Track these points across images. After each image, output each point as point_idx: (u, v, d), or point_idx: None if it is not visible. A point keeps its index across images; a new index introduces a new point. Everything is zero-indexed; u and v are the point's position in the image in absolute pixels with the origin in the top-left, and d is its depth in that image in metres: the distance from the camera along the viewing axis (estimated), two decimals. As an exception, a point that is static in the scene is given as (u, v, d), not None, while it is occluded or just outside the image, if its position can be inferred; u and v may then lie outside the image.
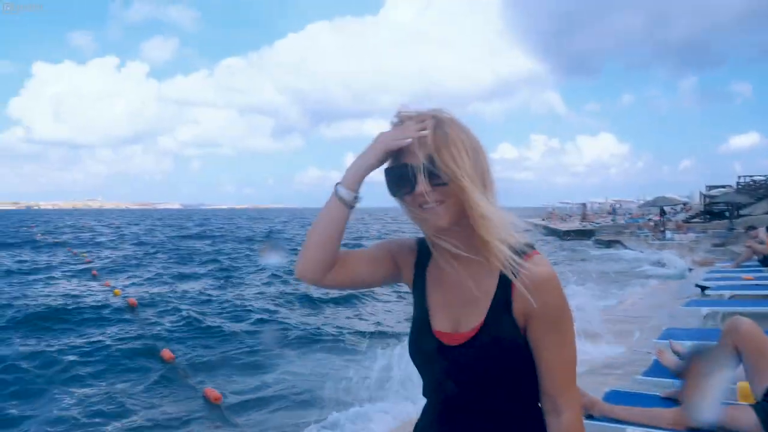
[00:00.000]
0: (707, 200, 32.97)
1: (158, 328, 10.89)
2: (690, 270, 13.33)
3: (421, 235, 1.30)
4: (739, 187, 36.00)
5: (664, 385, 3.54)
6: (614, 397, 3.34)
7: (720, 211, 30.11)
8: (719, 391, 2.30)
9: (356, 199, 1.21)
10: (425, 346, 1.21)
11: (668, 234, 24.81)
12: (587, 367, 5.26)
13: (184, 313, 12.15)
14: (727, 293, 7.15)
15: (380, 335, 10.11)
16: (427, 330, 1.22)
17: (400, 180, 1.15)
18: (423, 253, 1.30)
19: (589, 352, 5.96)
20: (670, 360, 3.67)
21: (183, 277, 18.80)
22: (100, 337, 10.27)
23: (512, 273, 1.11)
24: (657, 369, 3.80)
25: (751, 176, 37.32)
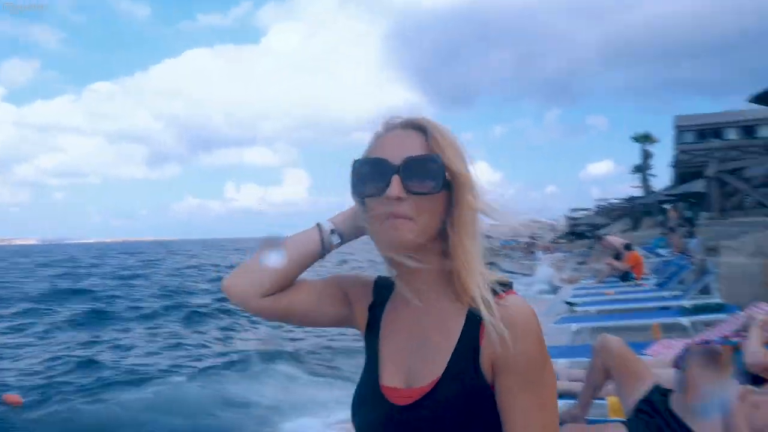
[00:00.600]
0: (571, 222, 35.68)
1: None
2: (558, 288, 14.15)
3: (382, 274, 1.12)
4: (598, 209, 39.46)
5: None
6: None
7: (582, 232, 32.68)
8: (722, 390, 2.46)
9: (336, 245, 1.08)
10: (368, 407, 1.02)
11: (538, 254, 26.44)
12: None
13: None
14: (594, 309, 7.58)
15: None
16: (374, 385, 1.02)
17: (370, 175, 0.95)
18: (381, 292, 1.11)
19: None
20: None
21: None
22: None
23: (485, 312, 0.92)
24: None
25: (606, 199, 41.03)
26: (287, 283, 1.06)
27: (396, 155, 0.93)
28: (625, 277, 9.95)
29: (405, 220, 0.92)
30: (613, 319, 6.80)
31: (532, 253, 27.30)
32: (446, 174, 0.93)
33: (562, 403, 3.36)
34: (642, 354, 4.54)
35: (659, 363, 3.72)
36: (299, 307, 1.09)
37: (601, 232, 31.30)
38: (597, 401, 3.20)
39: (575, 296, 9.16)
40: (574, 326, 6.22)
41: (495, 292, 0.94)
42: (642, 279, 10.08)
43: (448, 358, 0.94)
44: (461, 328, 0.95)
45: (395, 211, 0.92)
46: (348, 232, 1.08)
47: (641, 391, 2.78)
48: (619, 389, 2.90)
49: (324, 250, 1.06)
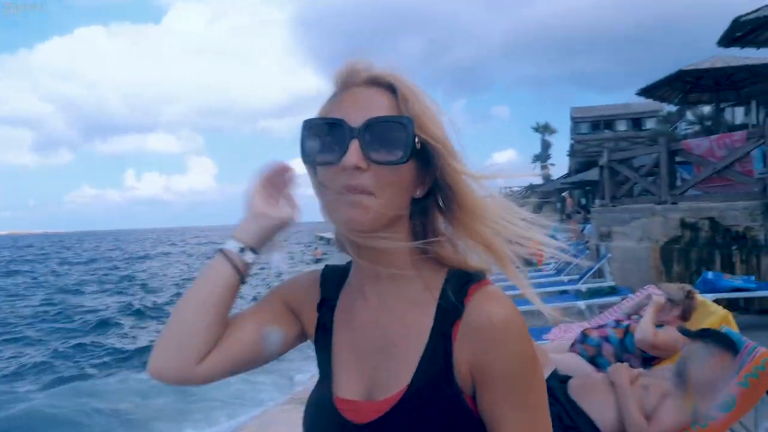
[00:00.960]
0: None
1: None
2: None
3: (329, 263, 0.96)
4: (501, 197, 40.99)
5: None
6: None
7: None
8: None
9: (254, 261, 0.87)
10: (320, 425, 0.85)
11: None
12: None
13: None
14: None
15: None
16: (326, 399, 0.85)
17: (324, 140, 0.78)
18: (329, 286, 0.93)
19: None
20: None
21: None
22: None
23: (454, 309, 0.77)
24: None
25: (509, 187, 42.59)
26: (219, 333, 0.86)
27: (356, 116, 0.77)
28: (526, 262, 10.32)
29: (364, 195, 0.76)
30: (522, 304, 6.97)
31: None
32: (416, 141, 0.77)
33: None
34: (542, 339, 4.67)
35: (558, 348, 3.82)
36: (247, 350, 0.89)
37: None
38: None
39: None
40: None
41: (469, 281, 0.79)
42: (543, 264, 10.50)
43: (416, 364, 0.78)
44: (431, 326, 0.79)
45: (352, 183, 0.76)
46: (260, 240, 0.88)
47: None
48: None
49: (242, 276, 0.87)
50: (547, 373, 2.84)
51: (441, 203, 0.85)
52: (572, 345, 3.69)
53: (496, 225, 0.82)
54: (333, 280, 0.94)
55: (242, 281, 0.87)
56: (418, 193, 0.83)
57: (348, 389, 0.84)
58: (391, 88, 0.80)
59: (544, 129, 47.12)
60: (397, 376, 0.79)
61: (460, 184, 0.81)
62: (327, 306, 0.92)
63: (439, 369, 0.77)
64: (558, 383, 2.80)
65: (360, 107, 0.78)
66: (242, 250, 0.86)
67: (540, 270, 10.16)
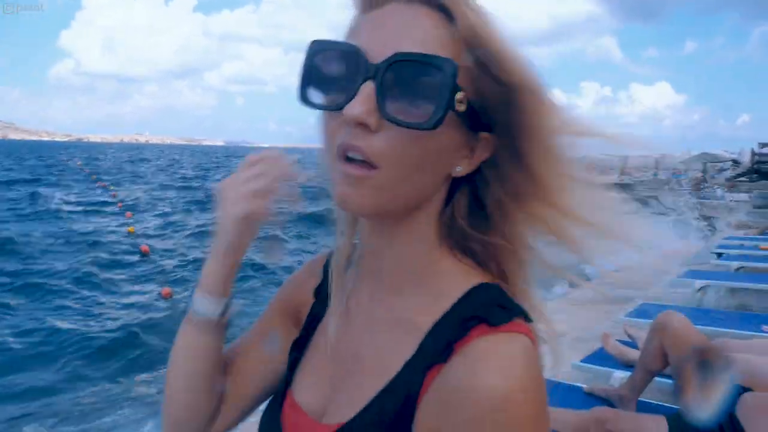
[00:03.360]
0: (756, 158, 31.10)
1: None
2: (717, 232, 12.53)
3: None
4: (795, 145, 33.87)
5: (599, 376, 3.14)
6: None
7: (768, 171, 28.41)
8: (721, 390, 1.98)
9: (227, 309, 0.73)
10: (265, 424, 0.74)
11: (716, 191, 23.57)
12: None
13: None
14: (735, 264, 6.53)
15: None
16: (276, 403, 0.73)
17: (333, 74, 0.59)
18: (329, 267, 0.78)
19: (563, 321, 5.56)
20: (615, 347, 3.25)
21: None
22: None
23: (441, 349, 0.56)
24: (600, 355, 3.38)
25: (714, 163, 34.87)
26: (219, 389, 0.76)
27: (381, 47, 0.55)
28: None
29: (362, 167, 0.55)
30: (753, 280, 5.80)
31: (701, 189, 24.36)
32: (463, 97, 0.55)
33: (623, 375, 2.93)
34: (761, 330, 3.80)
35: (763, 347, 3.06)
36: (259, 384, 0.78)
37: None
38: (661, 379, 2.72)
39: (722, 246, 8.00)
40: (698, 283, 5.36)
41: (473, 317, 0.56)
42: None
43: (369, 399, 0.60)
44: (406, 359, 0.59)
45: (350, 143, 0.55)
46: (234, 273, 0.73)
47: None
48: (676, 376, 2.41)
49: (214, 327, 0.72)
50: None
51: (500, 186, 0.61)
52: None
53: (590, 225, 0.60)
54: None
55: (227, 328, 0.75)
56: (459, 170, 0.60)
57: (305, 396, 0.70)
58: (446, 12, 0.57)
59: None
60: (349, 404, 0.63)
61: (550, 163, 0.58)
62: (324, 292, 0.75)
63: (391, 418, 0.57)
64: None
65: (389, 32, 0.56)
66: (216, 308, 0.72)
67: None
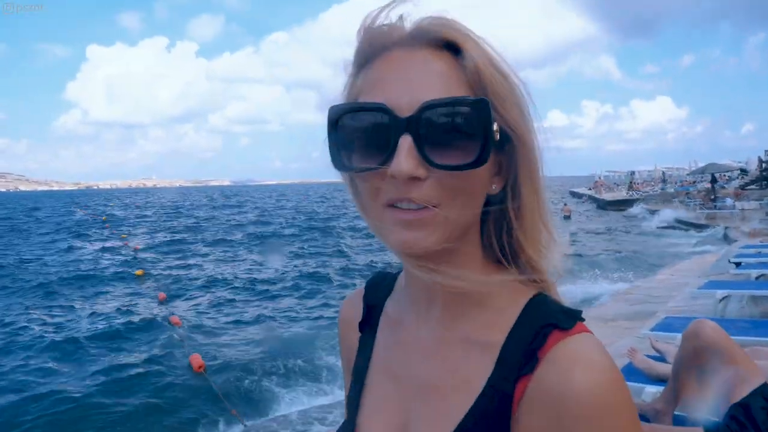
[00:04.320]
0: (764, 165, 30.95)
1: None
2: (732, 242, 12.41)
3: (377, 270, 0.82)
4: (802, 151, 33.73)
5: (631, 392, 3.07)
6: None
7: (777, 177, 28.23)
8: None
9: None
10: None
11: (725, 201, 23.40)
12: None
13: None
14: (755, 273, 6.45)
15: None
16: None
17: (360, 135, 0.58)
18: (374, 297, 0.77)
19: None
20: (643, 361, 3.19)
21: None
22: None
23: (524, 359, 0.57)
24: (629, 371, 3.32)
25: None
26: None
27: (403, 97, 0.55)
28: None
29: (426, 210, 0.56)
30: (775, 287, 5.72)
31: (712, 200, 24.20)
32: (495, 128, 0.56)
33: (655, 390, 2.88)
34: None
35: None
36: None
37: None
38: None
39: (740, 255, 7.91)
40: (719, 293, 5.30)
41: (547, 325, 0.57)
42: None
43: (456, 422, 0.59)
44: (488, 376, 0.59)
45: (407, 197, 0.56)
46: None
47: (738, 392, 2.23)
48: (709, 386, 2.36)
49: None
50: (749, 388, 2.24)
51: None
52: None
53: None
54: (380, 290, 0.77)
55: None
56: (494, 188, 0.62)
57: (374, 428, 0.68)
58: (451, 48, 0.58)
59: None
60: (431, 428, 0.61)
61: (530, 195, 0.62)
62: (370, 324, 0.75)
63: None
64: (764, 402, 2.20)
65: (406, 83, 0.56)
66: None
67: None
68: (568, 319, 0.58)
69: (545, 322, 0.57)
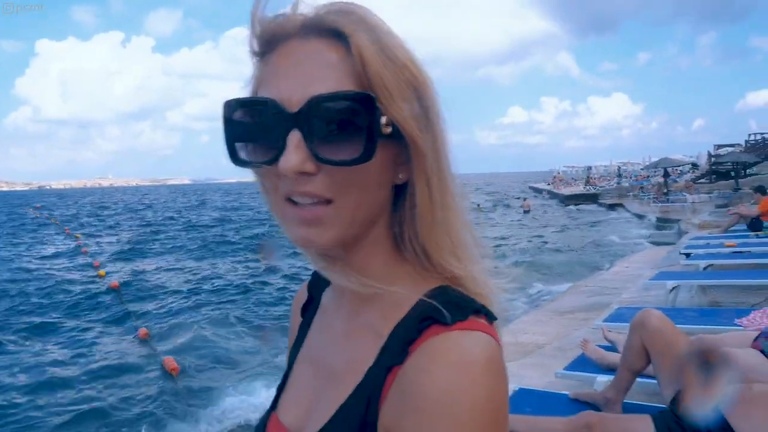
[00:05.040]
0: (713, 160, 32.14)
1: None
2: (683, 234, 12.84)
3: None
4: (748, 145, 35.23)
5: (583, 382, 3.15)
6: (523, 396, 2.95)
7: (726, 171, 29.34)
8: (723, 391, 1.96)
9: None
10: None
11: (678, 195, 24.19)
12: (531, 349, 4.90)
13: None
14: (703, 263, 6.68)
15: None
16: (262, 424, 0.73)
17: (255, 127, 0.58)
18: (316, 287, 0.79)
19: (543, 332, 5.59)
20: (594, 351, 3.27)
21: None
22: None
23: (400, 352, 0.57)
24: (582, 362, 3.40)
25: (762, 134, 36.46)
26: None
27: (293, 92, 0.55)
28: (754, 225, 8.65)
29: (319, 205, 0.57)
30: (722, 276, 5.95)
31: (665, 194, 24.97)
32: (385, 122, 0.56)
33: (606, 379, 2.95)
34: (733, 324, 3.89)
35: (738, 338, 3.11)
36: None
37: (750, 171, 27.94)
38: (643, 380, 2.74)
39: (690, 246, 8.19)
40: (669, 284, 5.46)
41: (428, 318, 0.57)
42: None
43: (337, 406, 0.61)
44: (370, 364, 0.60)
45: (299, 190, 0.56)
46: None
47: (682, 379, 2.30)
48: (657, 374, 2.43)
49: None
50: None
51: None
52: (756, 338, 2.97)
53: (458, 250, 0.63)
54: (321, 279, 0.77)
55: None
56: (401, 177, 0.61)
57: (287, 414, 0.70)
58: (341, 36, 0.56)
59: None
60: (324, 413, 0.63)
61: (423, 191, 0.60)
62: (310, 310, 0.78)
63: (356, 424, 0.57)
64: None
65: (297, 75, 0.56)
66: None
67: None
68: (456, 314, 0.56)
69: (425, 315, 0.57)
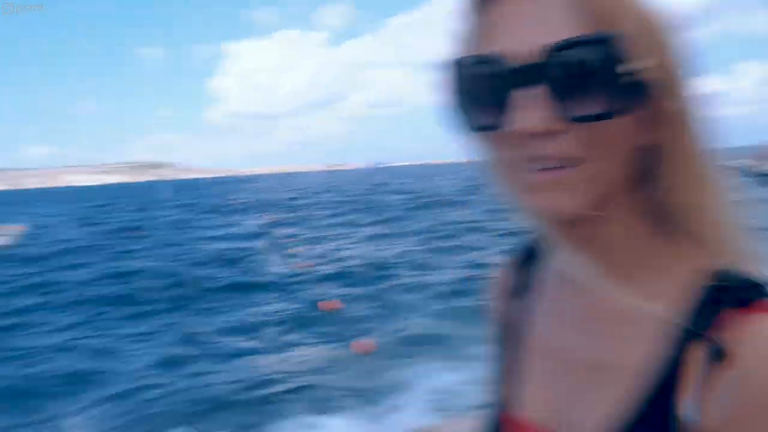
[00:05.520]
0: None
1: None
2: None
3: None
4: None
5: None
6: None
7: None
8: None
9: None
10: None
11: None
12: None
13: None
14: None
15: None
16: (496, 421, 0.66)
17: (481, 87, 0.51)
18: (526, 266, 0.70)
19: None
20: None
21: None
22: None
23: (696, 338, 0.49)
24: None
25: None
26: None
27: (525, 42, 0.49)
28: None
29: (565, 169, 0.49)
30: None
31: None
32: (633, 70, 0.48)
33: None
34: None
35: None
36: None
37: None
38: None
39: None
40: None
41: (735, 300, 0.49)
42: None
43: (620, 403, 0.53)
44: (653, 355, 0.51)
45: (542, 153, 0.49)
46: None
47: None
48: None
49: None
50: None
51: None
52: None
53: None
54: (534, 258, 0.69)
55: None
56: (651, 138, 0.53)
57: (532, 406, 0.62)
58: None
59: None
60: (599, 413, 0.54)
61: (682, 160, 0.52)
62: (520, 294, 0.69)
63: (657, 420, 0.50)
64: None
65: (533, 21, 0.49)
66: None
67: None
68: (754, 294, 0.49)
69: (714, 297, 0.50)
